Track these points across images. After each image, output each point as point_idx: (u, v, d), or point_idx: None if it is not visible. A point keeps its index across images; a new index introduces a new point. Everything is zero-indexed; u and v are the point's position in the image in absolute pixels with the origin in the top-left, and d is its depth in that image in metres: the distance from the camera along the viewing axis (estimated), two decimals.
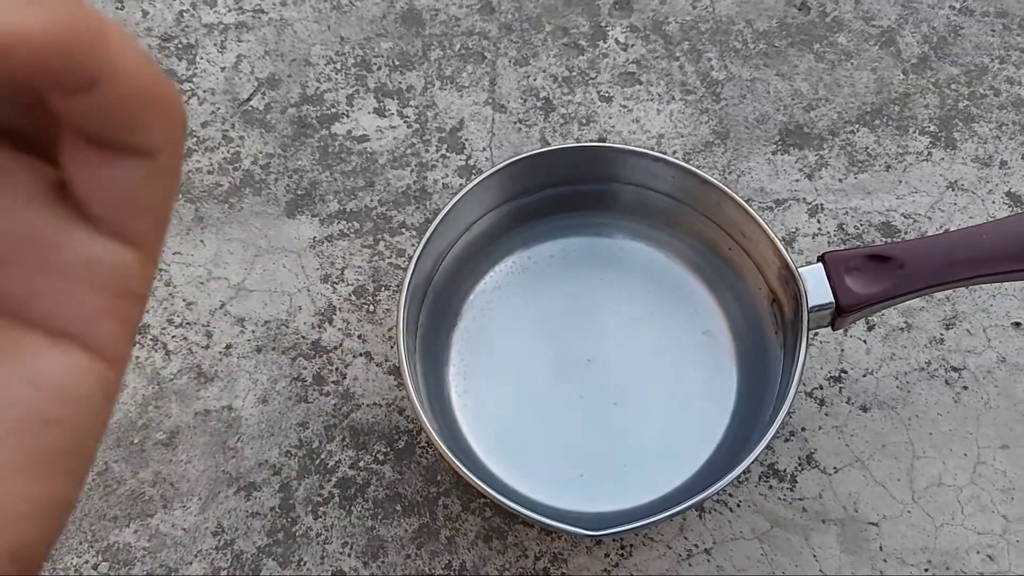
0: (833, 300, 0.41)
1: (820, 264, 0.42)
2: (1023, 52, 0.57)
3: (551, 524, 0.39)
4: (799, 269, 0.42)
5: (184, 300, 0.51)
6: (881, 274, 0.41)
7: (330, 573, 0.45)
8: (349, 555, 0.45)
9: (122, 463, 0.48)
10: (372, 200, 0.54)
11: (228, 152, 0.55)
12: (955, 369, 0.49)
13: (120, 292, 0.16)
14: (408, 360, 0.42)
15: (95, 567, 0.45)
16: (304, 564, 0.45)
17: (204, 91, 0.56)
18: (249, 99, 0.56)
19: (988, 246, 0.41)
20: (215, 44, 0.58)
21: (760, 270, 0.45)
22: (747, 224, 0.44)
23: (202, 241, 0.53)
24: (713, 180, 0.44)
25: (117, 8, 0.59)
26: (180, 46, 0.58)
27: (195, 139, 0.55)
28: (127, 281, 0.16)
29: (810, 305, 0.41)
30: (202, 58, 0.57)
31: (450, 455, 0.39)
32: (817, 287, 0.41)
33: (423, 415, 0.40)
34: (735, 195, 0.44)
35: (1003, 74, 0.57)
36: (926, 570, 0.45)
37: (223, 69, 0.57)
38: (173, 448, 0.48)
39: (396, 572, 0.45)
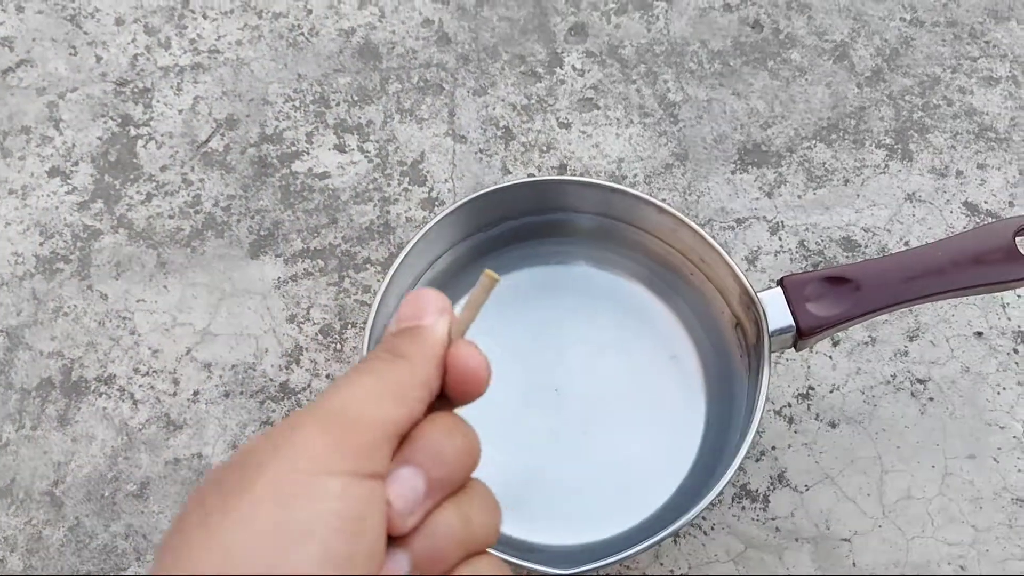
0: (793, 323, 0.42)
1: (779, 288, 0.42)
2: (974, 61, 0.58)
3: (522, 564, 0.39)
4: (759, 294, 0.42)
5: (149, 348, 0.51)
6: (839, 296, 0.42)
7: None
8: None
9: (93, 517, 0.47)
10: (336, 237, 0.53)
11: (188, 195, 0.55)
12: (920, 381, 0.50)
13: None
14: None
15: None
16: None
17: (161, 135, 0.56)
18: (208, 140, 0.56)
19: (943, 263, 0.42)
20: (171, 87, 0.57)
21: (722, 294, 0.46)
22: (705, 250, 0.45)
23: (165, 287, 0.52)
24: (669, 208, 0.45)
25: (71, 55, 0.58)
26: (136, 90, 0.57)
27: (154, 184, 0.55)
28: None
29: (771, 329, 0.42)
30: (159, 101, 0.57)
31: None
32: (777, 312, 0.42)
33: None
34: (691, 222, 0.44)
35: (955, 83, 0.57)
36: None
37: (180, 112, 0.57)
38: (144, 499, 0.48)
39: None
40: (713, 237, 0.44)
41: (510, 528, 0.44)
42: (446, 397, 0.25)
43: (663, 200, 0.46)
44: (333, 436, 0.21)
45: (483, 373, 0.25)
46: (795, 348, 0.44)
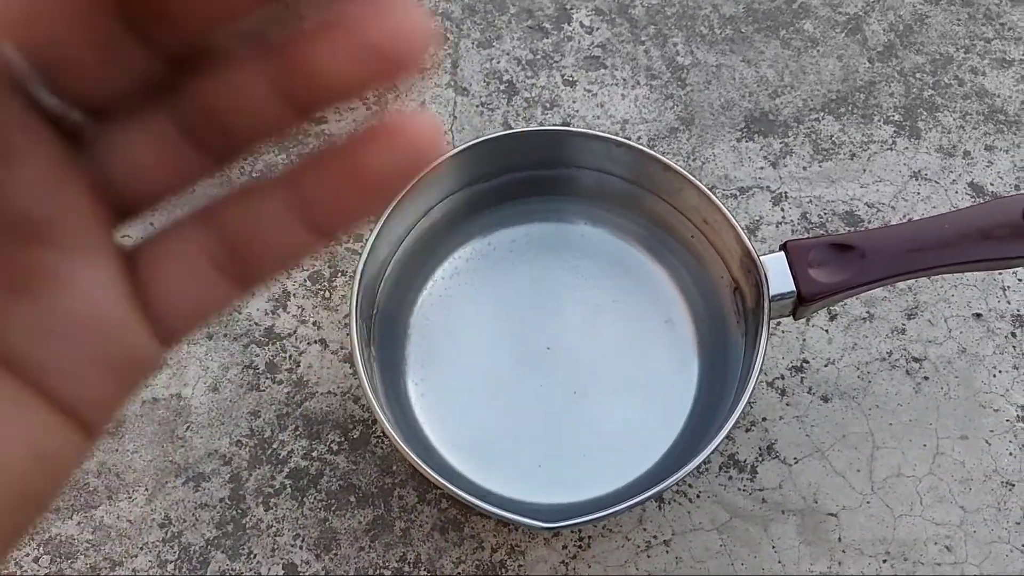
0: (795, 289, 0.41)
1: (782, 252, 0.41)
2: (987, 42, 0.57)
3: (507, 516, 0.38)
4: (761, 257, 0.41)
5: None
6: (843, 263, 0.41)
7: (281, 566, 0.44)
8: (301, 547, 0.44)
9: None
10: None
11: None
12: (916, 359, 0.49)
13: (125, 362, 0.16)
14: (362, 348, 0.40)
15: (36, 560, 0.44)
16: (254, 557, 0.44)
17: None
18: None
19: (949, 236, 0.41)
20: None
21: (722, 258, 0.45)
22: (709, 211, 0.44)
23: (152, 224, 0.51)
24: (675, 166, 0.44)
25: None
26: None
27: None
28: (141, 352, 0.16)
29: (771, 294, 0.41)
30: None
31: (404, 446, 0.38)
32: (779, 276, 0.41)
33: (376, 405, 0.39)
34: (698, 182, 0.43)
35: (967, 64, 0.56)
36: (884, 561, 0.44)
37: None
38: (120, 437, 0.46)
39: (349, 565, 0.44)
40: (718, 198, 0.43)
41: (496, 485, 0.43)
42: None
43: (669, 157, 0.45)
44: None
45: None
46: (794, 316, 0.43)
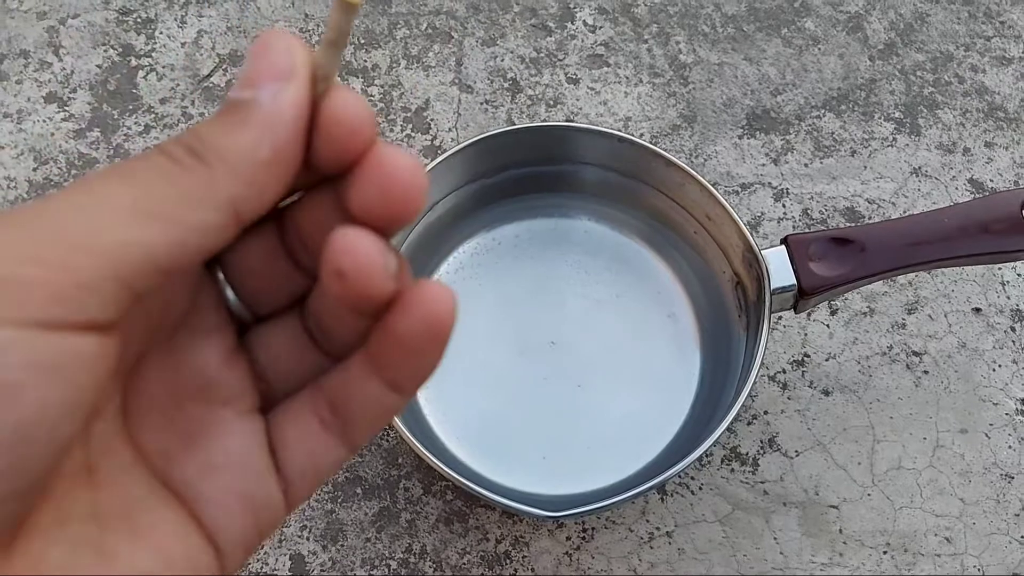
0: (796, 282, 0.41)
1: (783, 246, 0.42)
2: (987, 40, 0.57)
3: (512, 506, 0.39)
4: (762, 251, 0.42)
5: None
6: (843, 257, 0.41)
7: (288, 556, 0.44)
8: (308, 538, 0.45)
9: None
10: None
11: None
12: (916, 354, 0.49)
13: (261, 505, 0.19)
14: None
15: None
16: (261, 547, 0.44)
17: (163, 67, 0.55)
18: (210, 75, 0.55)
19: (948, 230, 0.41)
20: (175, 19, 0.56)
21: (724, 252, 0.45)
22: (711, 206, 0.44)
23: None
24: (678, 161, 0.44)
25: None
26: (139, 20, 0.56)
27: (153, 115, 0.54)
28: (274, 500, 0.19)
29: (773, 287, 0.41)
30: (162, 33, 0.56)
31: (411, 437, 0.39)
32: (780, 269, 0.41)
33: None
34: (700, 177, 0.44)
35: (968, 62, 0.57)
36: (885, 552, 0.45)
37: (183, 44, 0.56)
38: None
39: (355, 556, 0.44)
40: (720, 193, 0.43)
41: (501, 476, 0.44)
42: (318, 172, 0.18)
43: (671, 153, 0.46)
44: (20, 264, 0.14)
45: (363, 122, 0.17)
46: (795, 310, 0.43)
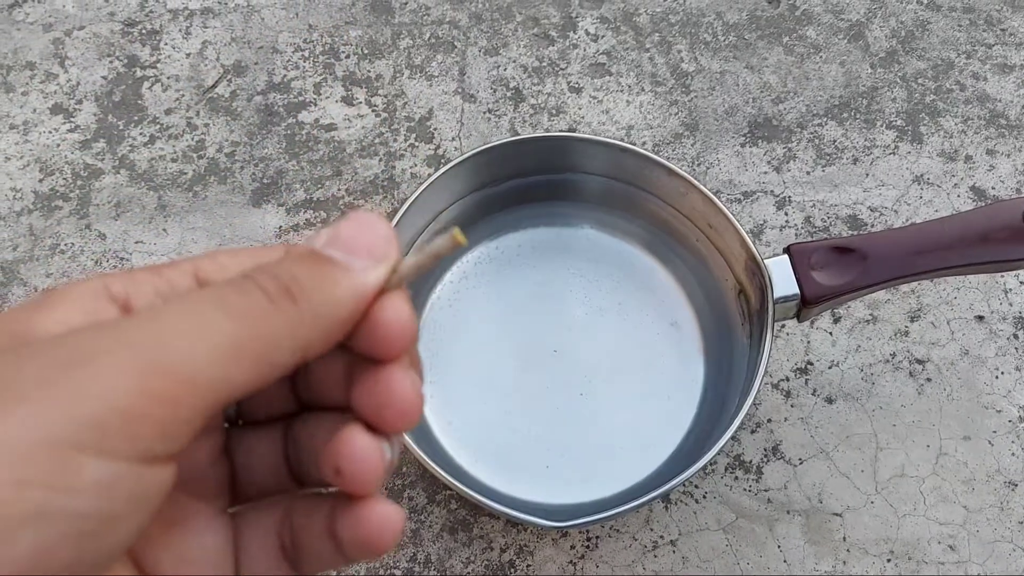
0: (798, 291, 0.41)
1: (786, 256, 0.42)
2: (989, 47, 0.58)
3: (516, 515, 0.39)
4: (765, 260, 0.42)
5: None
6: (845, 266, 0.41)
7: None
8: None
9: None
10: (339, 189, 0.53)
11: (192, 140, 0.54)
12: (919, 361, 0.49)
13: None
14: None
15: None
16: None
17: (168, 77, 0.55)
18: (215, 86, 0.55)
19: (950, 238, 0.41)
20: (180, 30, 0.57)
21: (727, 261, 0.45)
22: (714, 215, 0.44)
23: (165, 230, 0.52)
24: (680, 171, 0.44)
25: None
26: (144, 32, 0.57)
27: (158, 126, 0.54)
28: None
29: (775, 296, 0.41)
30: (166, 44, 0.56)
31: (415, 447, 0.39)
32: (783, 278, 0.41)
33: None
34: (702, 186, 0.44)
35: (969, 69, 0.57)
36: (888, 560, 0.45)
37: (188, 55, 0.56)
38: None
39: (360, 565, 0.44)
40: (722, 202, 0.44)
41: (504, 486, 0.44)
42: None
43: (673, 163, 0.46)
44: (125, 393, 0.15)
45: (405, 340, 0.18)
46: (798, 318, 0.43)
